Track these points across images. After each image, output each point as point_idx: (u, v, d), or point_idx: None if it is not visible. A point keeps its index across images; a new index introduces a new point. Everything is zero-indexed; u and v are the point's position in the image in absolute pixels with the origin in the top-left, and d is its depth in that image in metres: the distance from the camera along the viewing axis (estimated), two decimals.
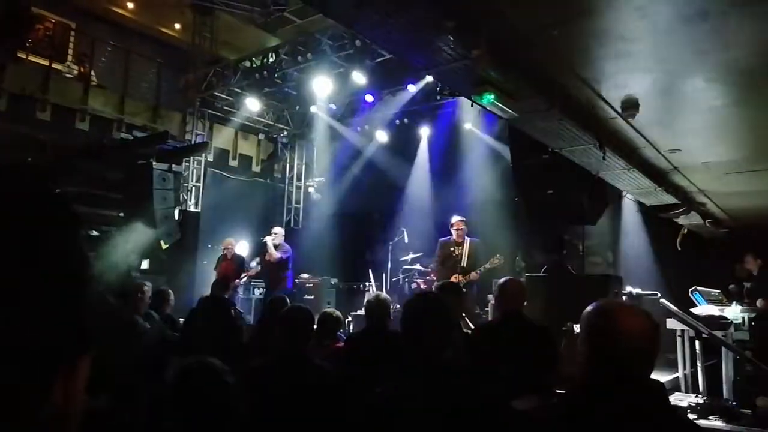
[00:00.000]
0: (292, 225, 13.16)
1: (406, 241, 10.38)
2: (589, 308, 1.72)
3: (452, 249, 7.44)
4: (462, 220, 7.49)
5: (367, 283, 9.75)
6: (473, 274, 7.28)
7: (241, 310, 5.63)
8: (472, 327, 3.53)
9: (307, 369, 2.76)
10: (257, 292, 10.34)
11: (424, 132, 11.27)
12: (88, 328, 0.72)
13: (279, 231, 8.78)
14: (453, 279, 6.91)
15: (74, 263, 0.69)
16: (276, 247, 8.63)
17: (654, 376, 1.62)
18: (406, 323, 2.12)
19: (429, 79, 9.30)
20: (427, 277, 9.10)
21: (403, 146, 11.50)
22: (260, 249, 9.08)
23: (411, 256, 9.70)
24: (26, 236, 0.64)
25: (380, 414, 1.92)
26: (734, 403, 4.96)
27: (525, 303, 3.69)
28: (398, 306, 8.68)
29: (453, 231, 7.47)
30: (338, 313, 4.31)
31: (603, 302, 1.70)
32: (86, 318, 0.72)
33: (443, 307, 2.15)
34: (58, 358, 0.68)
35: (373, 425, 1.94)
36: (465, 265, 7.31)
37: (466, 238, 7.43)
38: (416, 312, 2.13)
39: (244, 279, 9.24)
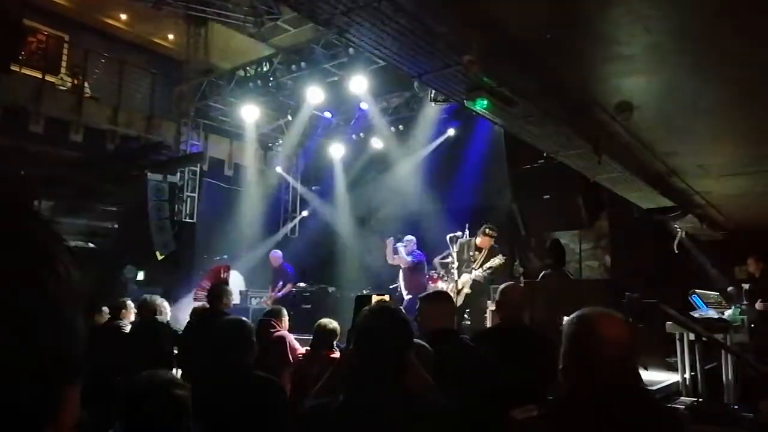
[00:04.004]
0: (288, 234, 13.09)
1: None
2: (570, 317, 1.69)
3: (471, 253, 7.28)
4: (493, 229, 7.34)
5: (365, 291, 9.70)
6: (470, 276, 7.09)
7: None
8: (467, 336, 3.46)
9: (244, 379, 2.73)
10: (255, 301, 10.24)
11: (419, 138, 11.26)
12: (79, 351, 0.60)
13: (410, 238, 8.90)
14: (444, 288, 6.83)
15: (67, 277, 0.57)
16: (408, 253, 8.74)
17: (655, 379, 1.59)
18: (358, 341, 1.92)
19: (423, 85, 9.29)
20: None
21: (398, 153, 11.50)
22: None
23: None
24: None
25: (319, 427, 1.85)
26: (736, 406, 4.92)
27: (526, 310, 3.63)
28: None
29: (480, 237, 7.27)
30: (334, 323, 4.25)
31: (583, 310, 1.67)
32: (77, 340, 0.60)
33: (401, 324, 1.94)
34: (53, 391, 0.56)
35: None
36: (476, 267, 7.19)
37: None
38: (368, 328, 1.92)
39: (285, 290, 9.31)
